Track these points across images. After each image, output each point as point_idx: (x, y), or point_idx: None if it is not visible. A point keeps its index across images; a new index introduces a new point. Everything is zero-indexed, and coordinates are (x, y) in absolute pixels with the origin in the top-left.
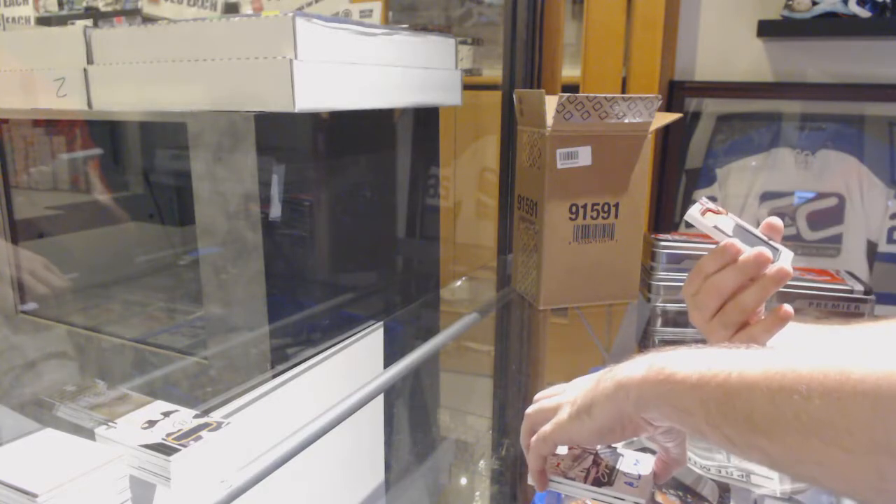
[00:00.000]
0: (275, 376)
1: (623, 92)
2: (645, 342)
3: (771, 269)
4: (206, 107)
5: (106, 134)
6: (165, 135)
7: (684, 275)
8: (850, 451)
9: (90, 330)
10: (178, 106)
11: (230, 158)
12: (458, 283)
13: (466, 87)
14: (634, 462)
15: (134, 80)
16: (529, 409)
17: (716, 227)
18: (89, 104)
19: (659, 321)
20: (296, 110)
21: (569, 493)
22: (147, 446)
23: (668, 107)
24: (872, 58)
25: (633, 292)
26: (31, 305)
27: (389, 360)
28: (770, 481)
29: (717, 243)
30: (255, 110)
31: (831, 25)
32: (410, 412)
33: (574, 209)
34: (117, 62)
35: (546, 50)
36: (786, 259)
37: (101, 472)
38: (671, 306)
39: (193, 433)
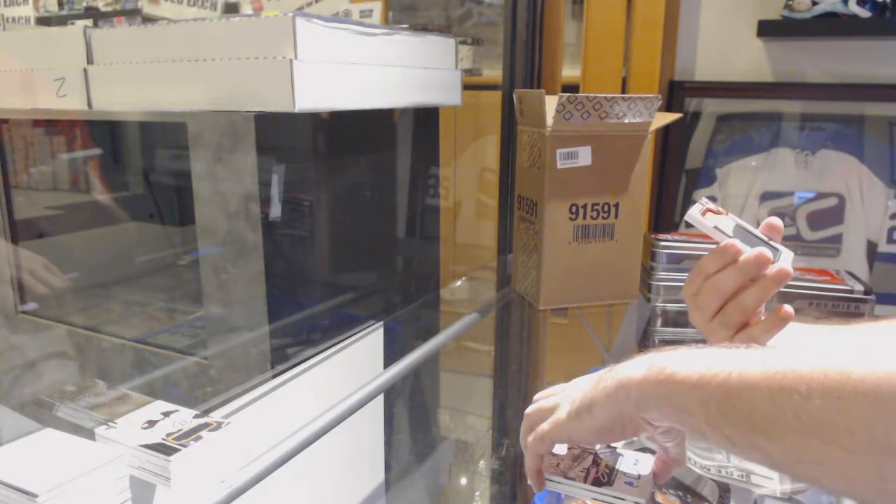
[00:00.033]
0: (275, 376)
1: (623, 92)
2: (645, 342)
3: (771, 269)
4: (206, 107)
5: (106, 134)
6: (165, 135)
7: (684, 275)
8: (850, 450)
9: (90, 330)
10: (178, 106)
11: (230, 158)
12: (458, 283)
13: (466, 87)
14: (634, 462)
15: (134, 80)
16: (529, 409)
17: (716, 227)
18: (89, 104)
19: (659, 321)
20: (296, 110)
21: (569, 492)
22: (147, 446)
23: (668, 107)
24: (872, 58)
25: (633, 292)
26: (31, 305)
27: (389, 360)
28: (770, 481)
29: (717, 244)
30: (255, 110)
31: (831, 25)
32: (410, 412)
33: (574, 209)
34: (117, 62)
35: (546, 50)
36: (786, 259)
37: (101, 472)
38: (671, 306)
39: (193, 433)
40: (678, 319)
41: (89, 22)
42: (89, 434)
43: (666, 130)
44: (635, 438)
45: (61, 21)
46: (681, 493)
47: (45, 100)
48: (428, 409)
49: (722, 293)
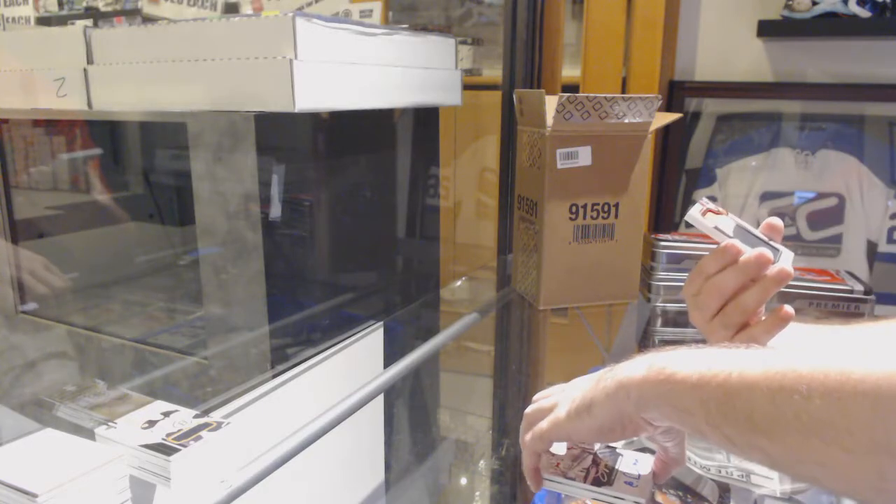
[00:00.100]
0: (275, 376)
1: (623, 92)
2: (645, 342)
3: (772, 269)
4: (206, 107)
5: (106, 134)
6: (165, 135)
7: (684, 275)
8: (850, 451)
9: (90, 330)
10: (178, 106)
11: (230, 158)
12: (458, 283)
13: (466, 87)
14: (634, 462)
15: (134, 80)
16: (528, 409)
17: (716, 227)
18: (89, 104)
19: (659, 321)
20: (296, 110)
21: (568, 492)
22: (147, 446)
23: (668, 107)
24: (872, 58)
25: (633, 292)
26: (31, 305)
27: (389, 360)
28: (770, 481)
29: (717, 244)
30: (255, 110)
31: (831, 25)
32: (410, 412)
33: (574, 209)
34: (117, 62)
35: (546, 50)
36: (786, 260)
37: (101, 472)
38: (671, 306)
39: (193, 433)
40: (678, 319)
41: (89, 22)
42: (89, 434)
43: (666, 130)
44: (635, 438)
45: (61, 21)
46: (681, 493)
47: (45, 100)
48: (428, 409)
49: (722, 293)
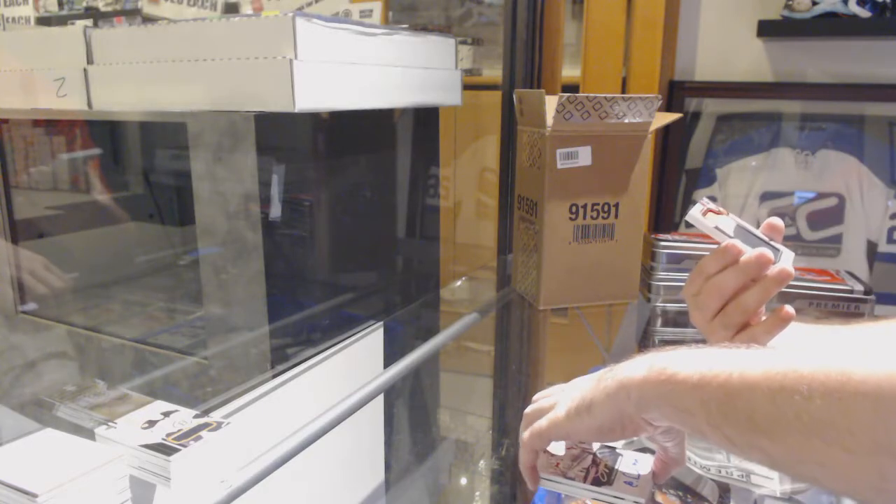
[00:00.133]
0: (275, 376)
1: (623, 92)
2: (645, 342)
3: (772, 269)
4: (206, 107)
5: (106, 134)
6: (165, 135)
7: (684, 275)
8: (851, 451)
9: (90, 330)
10: (178, 106)
11: (230, 158)
12: (458, 283)
13: (466, 87)
14: (633, 462)
15: (134, 80)
16: (528, 409)
17: (717, 227)
18: (89, 104)
19: (659, 321)
20: (296, 110)
21: (568, 492)
22: (147, 446)
23: (668, 107)
24: (872, 58)
25: (633, 292)
26: (31, 305)
27: (389, 360)
28: (770, 481)
29: (718, 244)
30: (255, 110)
31: (831, 25)
32: (410, 412)
33: (574, 209)
34: (117, 62)
35: (546, 50)
36: (787, 260)
37: (101, 472)
38: (671, 306)
39: (193, 433)
40: (678, 319)
41: (89, 22)
42: (89, 434)
43: (666, 130)
44: (635, 438)
45: (61, 21)
46: (681, 493)
47: (45, 100)
48: (428, 409)
49: (723, 293)
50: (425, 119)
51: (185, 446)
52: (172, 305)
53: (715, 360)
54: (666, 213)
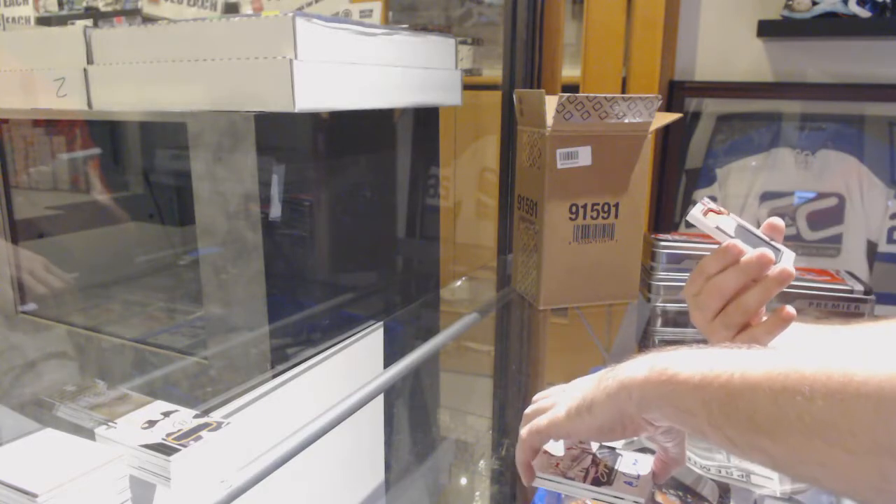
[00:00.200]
0: (275, 376)
1: (623, 92)
2: (645, 342)
3: (773, 270)
4: (206, 107)
5: (106, 134)
6: (165, 135)
7: (684, 275)
8: (852, 452)
9: (90, 330)
10: (178, 106)
11: (230, 158)
12: (458, 283)
13: (466, 87)
14: (633, 462)
15: (134, 80)
16: (528, 410)
17: (718, 227)
18: (89, 104)
19: (659, 321)
20: (296, 110)
21: (568, 492)
22: (147, 446)
23: (668, 107)
24: (872, 58)
25: (633, 292)
26: (31, 305)
27: (389, 360)
28: (770, 481)
29: (718, 244)
30: (255, 110)
31: (831, 25)
32: (410, 412)
33: (574, 209)
34: (117, 62)
35: (546, 50)
36: (788, 260)
37: (101, 472)
38: (671, 306)
39: (193, 433)
40: (678, 319)
41: (89, 22)
42: (89, 434)
43: (666, 130)
44: (635, 438)
45: (61, 21)
46: (681, 493)
47: (45, 100)
48: (428, 409)
49: (723, 294)
50: (425, 119)
51: (185, 446)
52: (172, 305)
53: (716, 361)
54: (666, 213)
